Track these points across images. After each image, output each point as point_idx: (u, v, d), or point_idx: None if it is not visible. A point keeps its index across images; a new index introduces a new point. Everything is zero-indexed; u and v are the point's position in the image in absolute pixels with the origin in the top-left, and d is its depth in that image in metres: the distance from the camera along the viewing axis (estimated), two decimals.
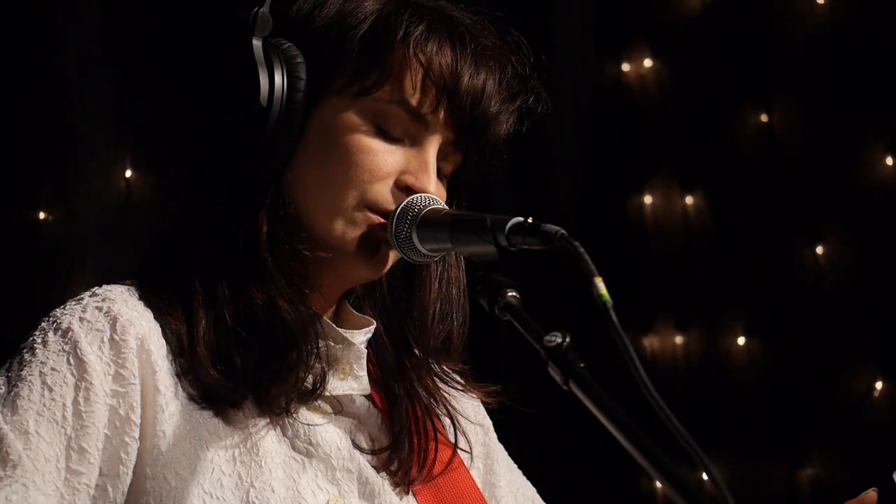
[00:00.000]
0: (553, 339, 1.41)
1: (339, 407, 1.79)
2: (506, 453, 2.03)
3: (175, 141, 3.75)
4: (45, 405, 1.61)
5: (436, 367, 1.90)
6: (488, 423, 2.01)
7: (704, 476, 3.82)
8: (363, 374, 1.81)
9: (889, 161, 4.12)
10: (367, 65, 1.75)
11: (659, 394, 1.30)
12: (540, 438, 4.08)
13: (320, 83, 1.75)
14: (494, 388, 1.92)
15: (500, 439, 2.00)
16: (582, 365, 1.39)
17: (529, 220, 1.54)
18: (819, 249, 4.19)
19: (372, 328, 1.84)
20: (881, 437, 4.05)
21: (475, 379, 1.91)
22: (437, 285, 1.87)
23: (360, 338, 1.81)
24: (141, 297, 1.72)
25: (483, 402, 1.96)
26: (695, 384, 4.33)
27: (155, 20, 3.97)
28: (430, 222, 1.69)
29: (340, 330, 1.79)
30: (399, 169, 1.75)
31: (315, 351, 1.73)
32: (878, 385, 4.09)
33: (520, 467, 2.05)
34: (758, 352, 4.27)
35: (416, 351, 1.87)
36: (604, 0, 4.38)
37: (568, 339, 1.41)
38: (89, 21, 3.85)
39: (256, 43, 1.73)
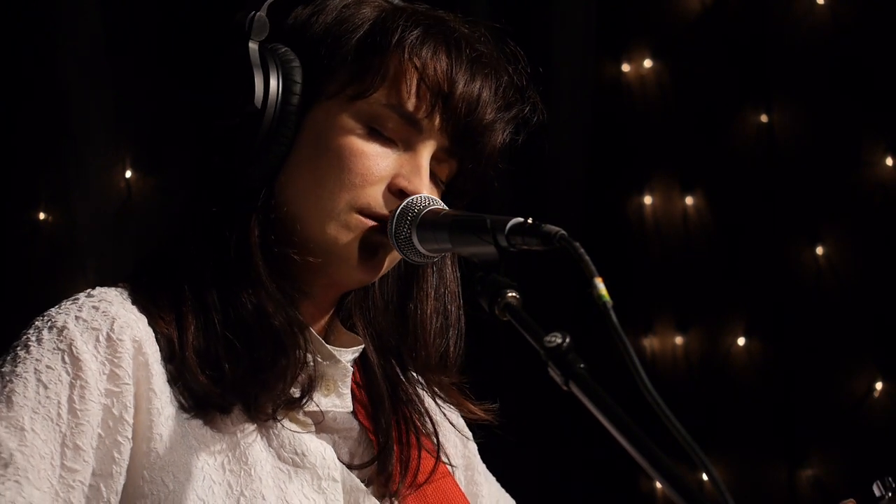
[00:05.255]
0: (553, 339, 1.41)
1: (321, 418, 1.79)
2: (484, 466, 2.03)
3: (175, 141, 3.75)
4: (40, 402, 1.61)
5: (424, 381, 1.90)
6: (468, 433, 2.02)
7: (704, 476, 3.82)
8: (346, 392, 1.81)
9: (889, 161, 4.12)
10: (362, 69, 1.75)
11: (659, 394, 1.30)
12: (540, 439, 4.08)
13: (316, 87, 1.76)
14: (491, 406, 1.92)
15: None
16: (582, 365, 1.39)
17: (529, 220, 1.54)
18: (819, 249, 4.19)
19: (360, 348, 1.84)
20: (881, 437, 4.05)
21: (471, 395, 1.91)
22: (434, 301, 1.87)
23: (348, 356, 1.81)
24: (134, 302, 1.72)
25: (479, 418, 1.94)
26: (695, 384, 4.33)
27: (155, 21, 3.97)
28: (429, 223, 1.69)
29: (329, 346, 1.79)
30: (392, 173, 1.75)
31: (302, 360, 1.73)
32: (878, 385, 4.09)
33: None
34: (758, 352, 4.27)
35: (409, 364, 1.87)
36: (604, 0, 4.38)
37: (568, 340, 1.41)
38: (89, 21, 3.85)
39: (252, 46, 1.74)
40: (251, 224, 1.73)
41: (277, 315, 1.72)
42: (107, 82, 3.88)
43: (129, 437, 1.64)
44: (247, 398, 1.70)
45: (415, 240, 1.70)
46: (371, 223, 1.73)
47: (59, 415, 1.61)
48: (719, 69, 4.32)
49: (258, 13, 1.75)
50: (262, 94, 1.72)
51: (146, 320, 1.70)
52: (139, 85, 3.90)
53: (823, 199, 4.17)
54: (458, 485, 1.92)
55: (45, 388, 1.62)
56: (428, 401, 1.92)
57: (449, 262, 1.89)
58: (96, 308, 1.68)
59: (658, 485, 4.22)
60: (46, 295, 3.67)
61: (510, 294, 1.52)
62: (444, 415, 1.96)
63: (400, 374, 1.90)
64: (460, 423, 2.00)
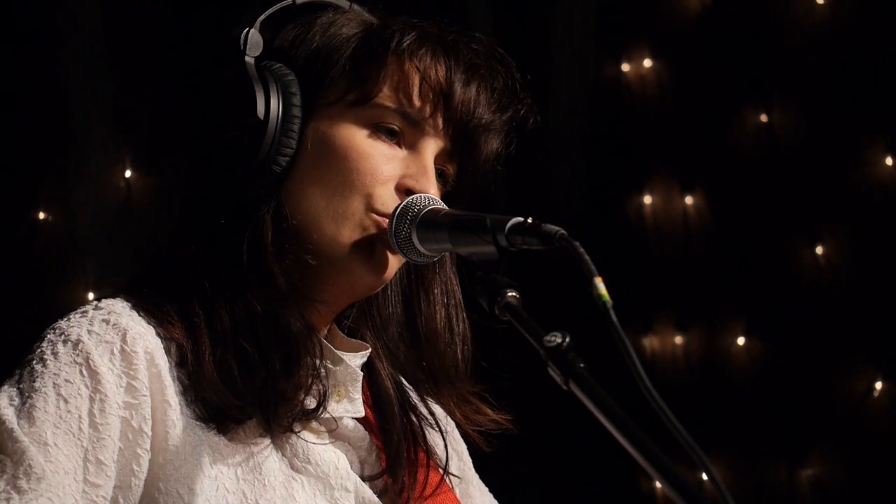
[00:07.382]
0: (553, 339, 1.41)
1: (335, 426, 1.79)
2: (478, 477, 2.03)
3: (175, 142, 3.76)
4: (61, 417, 1.59)
5: (437, 391, 1.89)
6: (463, 447, 2.02)
7: (704, 476, 3.82)
8: (358, 396, 1.80)
9: (889, 161, 4.12)
10: (362, 75, 1.77)
11: (659, 394, 1.30)
12: (540, 439, 4.08)
13: (314, 97, 1.78)
14: (507, 416, 1.91)
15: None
16: (582, 365, 1.39)
17: (529, 220, 1.54)
18: (819, 249, 4.19)
19: (367, 352, 1.84)
20: (881, 437, 4.05)
21: (489, 403, 1.90)
22: (441, 308, 1.87)
23: (357, 360, 1.81)
24: (140, 313, 1.71)
25: (499, 426, 1.93)
26: (695, 384, 4.33)
27: (155, 20, 3.98)
28: (429, 222, 1.69)
29: (337, 351, 1.79)
30: (399, 173, 1.76)
31: (316, 367, 1.73)
32: (878, 385, 4.09)
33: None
34: (758, 352, 4.27)
35: (420, 375, 1.87)
36: (604, 0, 4.38)
37: (568, 339, 1.41)
38: (89, 21, 3.86)
39: (249, 61, 1.76)
40: (264, 229, 1.73)
41: (294, 320, 1.72)
42: (107, 82, 3.89)
43: (148, 448, 1.63)
44: (265, 410, 1.69)
45: (414, 239, 1.70)
46: (385, 222, 1.74)
47: (80, 429, 1.60)
48: (719, 69, 4.32)
49: (251, 30, 1.77)
50: (264, 105, 1.74)
51: (153, 330, 1.69)
52: (139, 85, 3.91)
53: (823, 199, 4.17)
54: (458, 500, 1.92)
55: (66, 402, 1.60)
56: (436, 410, 1.92)
57: (448, 268, 1.89)
58: (106, 321, 1.66)
59: (658, 485, 4.22)
60: (46, 295, 3.67)
61: (510, 294, 1.52)
62: (445, 427, 1.96)
63: (407, 385, 1.90)
64: (457, 435, 2.00)
